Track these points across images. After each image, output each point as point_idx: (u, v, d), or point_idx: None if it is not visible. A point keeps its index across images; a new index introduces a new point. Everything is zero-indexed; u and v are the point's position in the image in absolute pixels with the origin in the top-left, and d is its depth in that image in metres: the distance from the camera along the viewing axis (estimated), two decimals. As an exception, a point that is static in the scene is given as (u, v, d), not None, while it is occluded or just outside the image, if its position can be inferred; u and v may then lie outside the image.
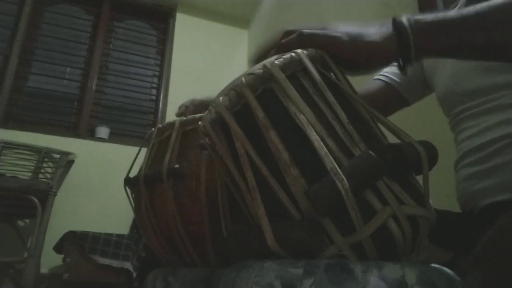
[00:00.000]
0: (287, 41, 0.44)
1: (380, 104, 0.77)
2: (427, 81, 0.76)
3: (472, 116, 0.62)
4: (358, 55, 0.43)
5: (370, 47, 0.42)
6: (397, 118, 0.82)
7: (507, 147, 0.55)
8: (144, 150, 0.75)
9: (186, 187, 0.64)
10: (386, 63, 0.45)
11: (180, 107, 0.83)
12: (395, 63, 0.45)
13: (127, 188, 0.73)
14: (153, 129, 0.73)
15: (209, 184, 0.63)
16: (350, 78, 0.45)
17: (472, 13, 0.43)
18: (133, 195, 0.74)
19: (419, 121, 1.30)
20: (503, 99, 0.57)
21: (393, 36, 0.42)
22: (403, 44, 0.42)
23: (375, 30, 0.43)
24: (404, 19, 0.43)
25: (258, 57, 0.49)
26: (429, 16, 0.43)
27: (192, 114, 0.75)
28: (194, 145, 0.67)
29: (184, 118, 0.69)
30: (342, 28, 0.44)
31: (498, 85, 0.58)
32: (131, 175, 0.72)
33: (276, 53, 0.43)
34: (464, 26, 0.43)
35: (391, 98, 0.79)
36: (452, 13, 0.43)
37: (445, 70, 0.68)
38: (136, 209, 0.71)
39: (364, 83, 0.81)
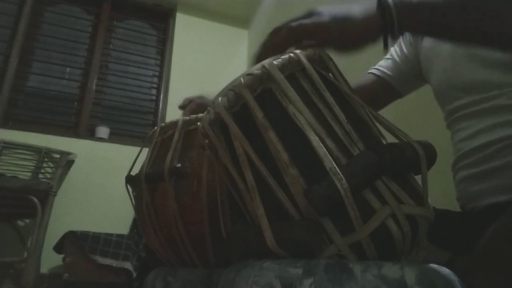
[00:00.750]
0: (279, 39, 0.45)
1: (372, 97, 0.78)
2: (423, 73, 0.76)
3: (468, 116, 0.62)
4: (346, 37, 0.44)
5: (356, 28, 0.44)
6: (396, 117, 0.82)
7: (504, 149, 0.55)
8: (145, 150, 0.75)
9: (188, 186, 0.64)
10: (373, 41, 0.46)
11: (184, 100, 0.84)
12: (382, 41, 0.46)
13: (128, 186, 0.73)
14: (155, 127, 0.73)
15: (210, 184, 0.63)
16: (347, 75, 0.45)
17: None
18: (134, 193, 0.74)
19: (417, 121, 1.30)
20: (499, 100, 0.57)
21: (377, 13, 0.44)
22: (386, 21, 0.44)
23: (359, 10, 0.45)
24: (390, 2, 0.44)
25: (258, 59, 0.49)
26: None
27: (194, 110, 0.76)
28: (197, 145, 0.67)
29: (187, 117, 0.70)
30: (328, 11, 0.45)
31: (494, 83, 0.58)
32: (133, 174, 0.72)
33: (272, 54, 0.43)
34: (446, 8, 0.44)
35: (383, 91, 0.80)
36: None
37: (441, 63, 0.68)
38: (137, 207, 0.71)
39: (360, 76, 0.82)
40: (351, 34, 0.44)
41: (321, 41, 0.44)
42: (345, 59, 0.46)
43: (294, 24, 0.45)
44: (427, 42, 0.74)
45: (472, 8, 0.44)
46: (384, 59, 0.82)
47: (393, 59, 0.80)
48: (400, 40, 0.82)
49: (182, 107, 0.84)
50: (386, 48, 0.46)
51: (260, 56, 0.48)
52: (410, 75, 0.78)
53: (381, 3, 0.44)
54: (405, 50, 0.79)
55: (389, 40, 0.45)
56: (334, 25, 0.43)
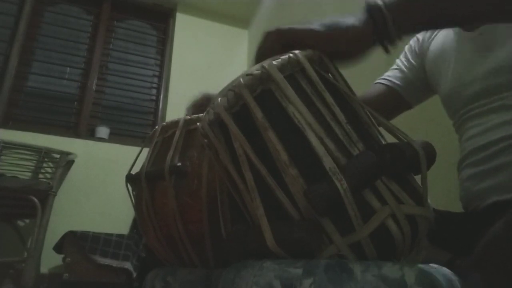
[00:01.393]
0: (268, 42, 0.44)
1: (382, 107, 0.77)
2: (430, 84, 0.76)
3: (476, 115, 0.62)
4: (338, 43, 0.43)
5: (349, 33, 0.42)
6: (396, 118, 0.82)
7: (510, 147, 0.55)
8: (146, 150, 0.75)
9: (188, 185, 0.64)
10: (368, 46, 0.44)
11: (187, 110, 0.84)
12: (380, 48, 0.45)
13: (128, 185, 0.73)
14: (157, 127, 0.73)
15: (210, 183, 0.63)
16: (350, 80, 0.45)
17: None
18: (134, 193, 0.74)
19: (418, 121, 1.30)
20: (507, 100, 0.57)
21: (369, 18, 0.43)
22: (381, 23, 0.42)
23: (350, 17, 0.43)
24: (378, 1, 0.43)
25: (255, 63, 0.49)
26: None
27: (198, 107, 0.76)
28: (198, 144, 0.67)
29: (189, 117, 0.70)
30: (320, 20, 0.44)
31: (502, 86, 0.58)
32: (133, 173, 0.72)
33: (262, 58, 0.43)
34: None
35: (393, 102, 0.79)
36: None
37: (448, 73, 0.68)
38: (137, 206, 0.71)
39: (365, 84, 0.82)
40: (341, 39, 0.43)
41: (310, 47, 0.43)
42: (350, 70, 0.46)
43: (284, 27, 0.44)
44: (433, 52, 0.74)
45: None
46: (391, 70, 0.81)
47: (400, 69, 0.79)
48: (406, 50, 0.82)
49: (191, 112, 0.84)
50: (387, 52, 0.45)
51: (257, 60, 0.47)
52: (418, 85, 0.78)
53: (371, 7, 0.43)
54: (412, 60, 0.79)
55: (386, 43, 0.44)
56: (324, 30, 0.42)
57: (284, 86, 0.38)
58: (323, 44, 0.43)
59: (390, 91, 0.78)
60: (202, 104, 0.80)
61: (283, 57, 0.40)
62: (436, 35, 0.75)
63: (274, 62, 0.39)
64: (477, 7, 0.43)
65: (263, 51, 0.44)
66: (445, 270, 0.35)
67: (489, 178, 0.57)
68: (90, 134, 2.88)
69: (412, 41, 0.81)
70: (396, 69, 0.80)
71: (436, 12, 0.43)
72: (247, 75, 0.39)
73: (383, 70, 0.82)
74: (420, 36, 0.79)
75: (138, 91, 3.19)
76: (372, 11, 0.43)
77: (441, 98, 0.72)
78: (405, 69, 0.79)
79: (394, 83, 0.78)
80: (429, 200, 0.40)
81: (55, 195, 2.32)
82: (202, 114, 0.69)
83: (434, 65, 0.73)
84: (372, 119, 0.42)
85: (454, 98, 0.67)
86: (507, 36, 0.59)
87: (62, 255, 2.17)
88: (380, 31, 0.43)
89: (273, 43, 0.44)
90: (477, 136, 0.61)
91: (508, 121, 0.57)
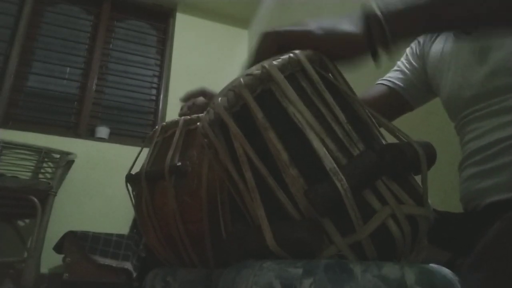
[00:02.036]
0: (266, 42, 0.44)
1: (383, 109, 0.77)
2: (432, 86, 0.76)
3: (477, 118, 0.62)
4: (334, 46, 0.43)
5: (345, 38, 0.43)
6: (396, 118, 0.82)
7: (511, 147, 0.55)
8: (146, 150, 0.75)
9: (188, 185, 0.64)
10: (362, 54, 0.45)
11: (186, 94, 0.84)
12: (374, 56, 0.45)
13: (128, 185, 0.73)
14: (157, 126, 0.73)
15: (210, 183, 0.64)
16: (351, 80, 0.45)
17: None
18: (134, 192, 0.74)
19: (418, 121, 1.30)
20: (508, 102, 0.57)
21: (367, 28, 0.43)
22: (378, 35, 0.43)
23: (348, 22, 0.44)
24: (376, 10, 0.43)
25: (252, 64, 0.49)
26: (399, 2, 0.44)
27: (196, 111, 0.76)
28: (197, 144, 0.67)
29: (188, 117, 0.70)
30: (316, 22, 0.44)
31: (502, 89, 0.58)
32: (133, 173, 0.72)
33: (259, 58, 0.43)
34: (434, 6, 0.43)
35: (394, 103, 0.79)
36: None
37: (449, 75, 0.68)
38: (137, 206, 0.71)
39: (365, 84, 0.81)
40: (337, 45, 0.43)
41: (307, 48, 0.43)
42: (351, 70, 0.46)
43: (281, 29, 0.44)
44: (433, 54, 0.74)
45: None
46: (392, 71, 0.81)
47: (402, 71, 0.79)
48: (407, 52, 0.82)
49: (184, 100, 0.84)
50: (377, 62, 0.46)
51: (253, 63, 0.47)
52: (420, 87, 0.77)
53: (370, 17, 0.43)
54: (413, 62, 0.79)
55: (381, 52, 0.44)
56: (321, 33, 0.43)
57: (284, 86, 0.38)
58: (319, 47, 0.43)
59: (392, 92, 0.78)
60: (198, 95, 0.80)
61: (283, 57, 0.40)
62: (437, 37, 0.75)
63: (274, 62, 0.39)
64: (476, 12, 0.44)
65: (261, 52, 0.44)
66: (445, 270, 0.35)
67: (489, 178, 0.57)
68: (90, 134, 2.88)
69: (413, 44, 0.81)
70: (397, 70, 0.80)
71: (434, 20, 0.44)
72: (247, 75, 0.39)
73: (384, 71, 0.82)
74: (421, 38, 0.79)
75: (138, 91, 3.19)
76: (370, 23, 0.43)
77: (442, 100, 0.72)
78: (406, 71, 0.79)
79: (395, 84, 0.78)
80: (429, 200, 0.40)
81: (55, 195, 2.32)
82: (202, 114, 0.69)
83: (435, 68, 0.73)
84: (373, 119, 0.42)
85: (454, 101, 0.67)
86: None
87: (62, 255, 2.17)
88: (377, 40, 0.43)
89: (270, 44, 0.44)
90: (478, 138, 0.61)
91: (509, 122, 0.57)
